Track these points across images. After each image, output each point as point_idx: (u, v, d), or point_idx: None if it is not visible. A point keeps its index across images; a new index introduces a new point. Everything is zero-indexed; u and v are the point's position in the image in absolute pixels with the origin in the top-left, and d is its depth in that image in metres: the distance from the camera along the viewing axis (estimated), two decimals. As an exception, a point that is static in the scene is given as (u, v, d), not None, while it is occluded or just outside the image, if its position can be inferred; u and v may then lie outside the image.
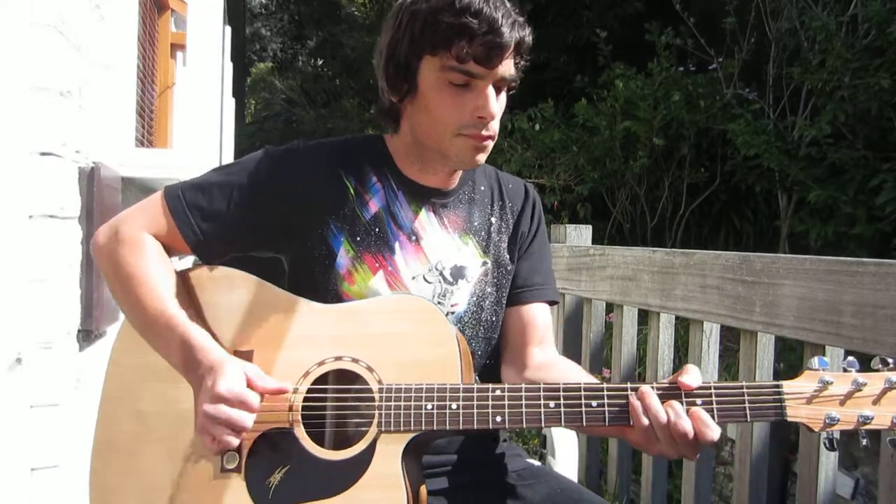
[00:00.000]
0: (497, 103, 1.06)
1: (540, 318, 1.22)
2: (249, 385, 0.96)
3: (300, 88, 12.04)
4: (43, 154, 1.64)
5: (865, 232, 4.49)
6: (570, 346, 2.51)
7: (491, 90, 1.04)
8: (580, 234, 2.62)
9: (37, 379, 1.62)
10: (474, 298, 1.15)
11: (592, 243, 2.61)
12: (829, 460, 1.47)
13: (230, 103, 5.13)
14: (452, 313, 1.13)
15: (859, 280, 1.33)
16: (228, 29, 4.57)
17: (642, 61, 5.99)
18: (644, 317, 2.16)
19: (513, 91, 1.12)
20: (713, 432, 0.89)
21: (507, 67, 1.04)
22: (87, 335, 1.89)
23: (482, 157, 1.10)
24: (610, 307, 2.39)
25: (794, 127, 5.08)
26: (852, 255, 4.14)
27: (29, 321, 1.60)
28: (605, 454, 2.47)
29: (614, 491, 2.22)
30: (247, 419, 0.93)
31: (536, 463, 1.26)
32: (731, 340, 3.48)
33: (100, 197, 1.88)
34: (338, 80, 12.06)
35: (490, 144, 1.09)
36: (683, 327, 2.53)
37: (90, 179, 1.87)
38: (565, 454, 1.59)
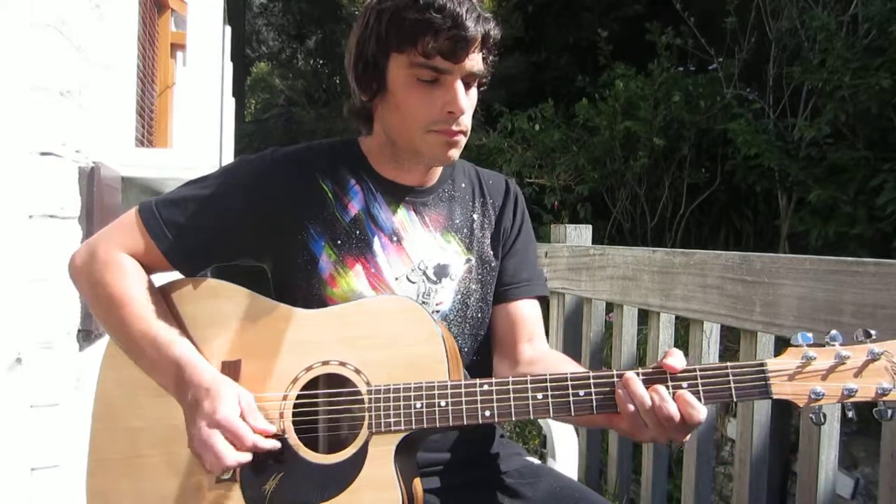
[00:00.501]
0: (467, 99, 1.05)
1: (529, 315, 1.21)
2: (242, 416, 0.96)
3: (300, 88, 12.05)
4: (43, 154, 1.64)
5: (866, 232, 4.49)
6: (570, 346, 2.51)
7: (460, 85, 1.04)
8: (580, 234, 2.62)
9: (37, 379, 1.62)
10: (459, 296, 1.15)
11: (592, 243, 2.61)
12: (829, 460, 1.47)
13: (230, 103, 5.13)
14: (438, 312, 1.13)
15: (859, 280, 1.33)
16: (228, 28, 4.57)
17: (643, 61, 5.99)
18: (644, 317, 2.16)
19: (484, 87, 1.13)
20: (699, 413, 0.88)
21: (475, 62, 1.04)
22: (87, 335, 1.89)
23: (455, 153, 1.09)
24: (610, 307, 2.38)
25: (794, 127, 5.08)
26: (852, 255, 4.14)
27: (29, 321, 1.60)
28: (605, 454, 2.47)
29: (614, 490, 2.22)
30: (231, 457, 0.93)
31: (536, 461, 1.26)
32: (731, 340, 3.48)
33: (100, 197, 1.88)
34: (337, 79, 12.06)
35: (462, 140, 1.08)
36: (683, 327, 2.53)
37: (90, 179, 1.87)
38: (565, 454, 1.59)
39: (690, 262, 1.81)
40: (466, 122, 1.07)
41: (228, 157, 4.60)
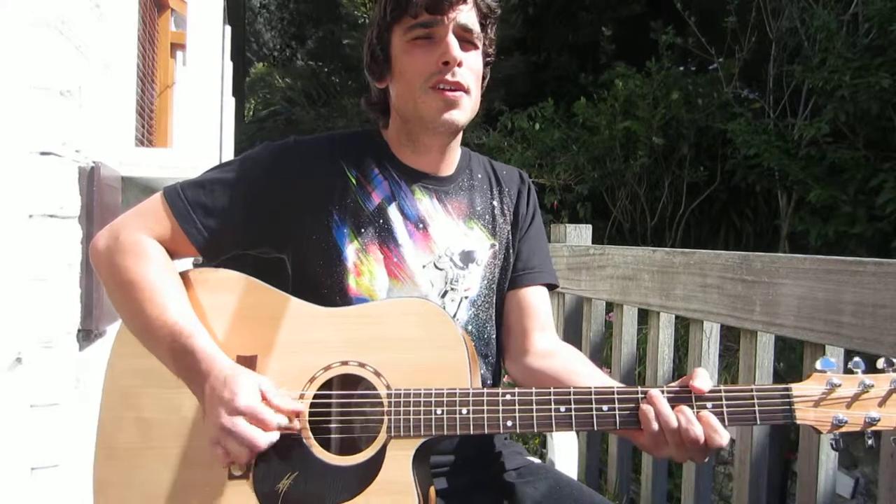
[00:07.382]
0: (461, 52, 1.07)
1: (539, 303, 1.22)
2: (264, 400, 0.94)
3: (300, 88, 12.04)
4: (43, 153, 1.64)
5: (865, 231, 4.49)
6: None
7: (452, 38, 1.07)
8: (580, 234, 2.62)
9: (37, 379, 1.62)
10: (486, 282, 1.17)
11: (592, 243, 2.61)
12: (829, 460, 1.47)
13: (230, 102, 5.13)
14: (466, 298, 1.14)
15: (859, 280, 1.33)
16: (228, 28, 4.57)
17: (643, 61, 5.99)
18: (644, 316, 2.16)
19: (490, 58, 1.17)
20: (721, 438, 0.89)
21: (465, 16, 1.08)
22: (87, 335, 1.89)
23: (457, 115, 1.09)
24: (610, 306, 2.39)
25: (794, 126, 5.08)
26: (852, 254, 4.14)
27: (29, 321, 1.60)
28: (605, 454, 2.47)
29: (614, 490, 2.22)
30: (262, 438, 0.92)
31: (536, 461, 1.26)
32: (731, 340, 3.48)
33: (100, 196, 1.88)
34: (337, 79, 12.05)
35: (460, 97, 1.09)
36: (683, 327, 2.53)
37: (90, 179, 1.87)
38: (565, 453, 1.59)
39: (690, 262, 1.81)
40: (465, 77, 1.08)
41: (228, 157, 4.60)
